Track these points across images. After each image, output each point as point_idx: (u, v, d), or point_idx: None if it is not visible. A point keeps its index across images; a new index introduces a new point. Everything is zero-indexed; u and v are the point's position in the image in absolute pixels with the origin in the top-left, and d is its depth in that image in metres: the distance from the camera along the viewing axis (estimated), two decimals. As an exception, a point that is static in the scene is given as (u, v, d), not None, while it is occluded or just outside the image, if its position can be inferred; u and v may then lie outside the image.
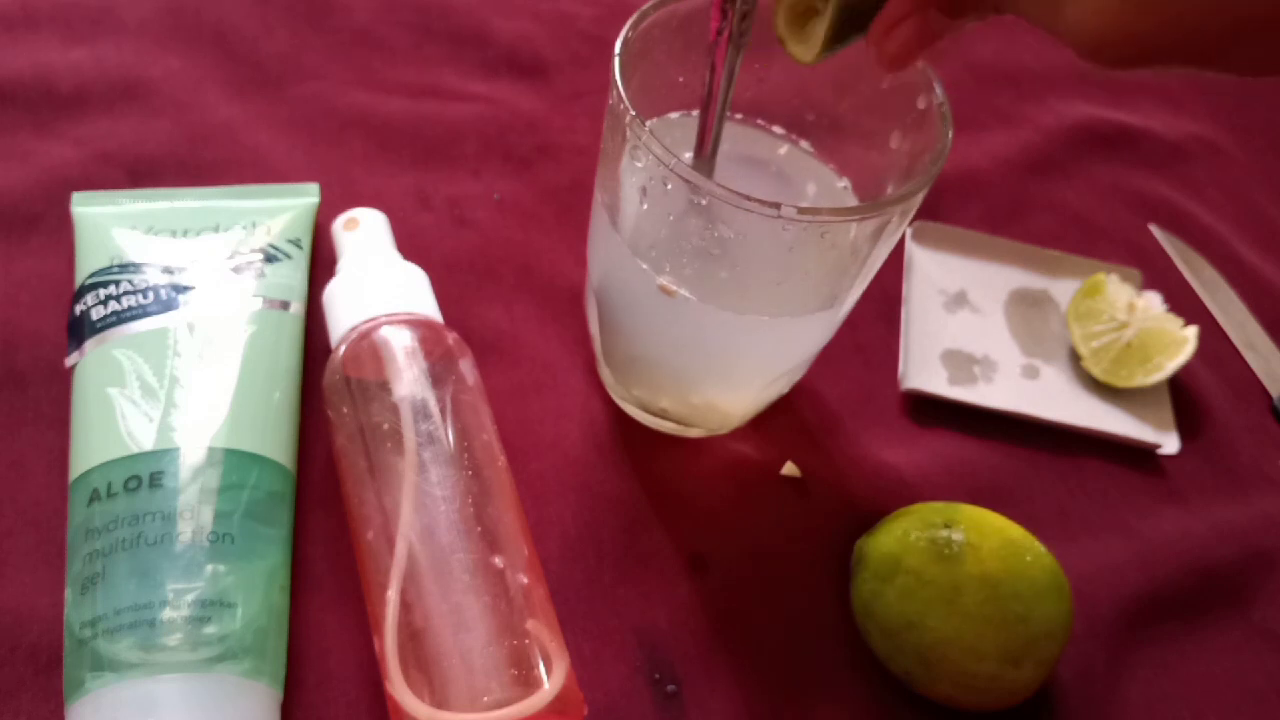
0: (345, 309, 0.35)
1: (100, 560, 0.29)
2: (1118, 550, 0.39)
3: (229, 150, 0.44)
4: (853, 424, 0.41)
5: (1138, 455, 0.42)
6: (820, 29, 0.27)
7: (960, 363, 0.43)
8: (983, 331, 0.45)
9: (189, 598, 0.28)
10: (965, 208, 0.50)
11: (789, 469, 0.39)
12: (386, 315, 0.35)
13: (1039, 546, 0.33)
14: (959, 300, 0.46)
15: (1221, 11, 0.19)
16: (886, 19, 0.26)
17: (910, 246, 0.47)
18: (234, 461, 0.31)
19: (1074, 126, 0.55)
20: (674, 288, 0.31)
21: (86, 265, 0.36)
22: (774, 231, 0.28)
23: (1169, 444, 0.42)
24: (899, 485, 0.39)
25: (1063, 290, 0.47)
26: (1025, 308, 0.46)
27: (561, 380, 0.40)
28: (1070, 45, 0.21)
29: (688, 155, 0.33)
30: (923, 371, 0.42)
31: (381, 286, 0.36)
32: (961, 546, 0.32)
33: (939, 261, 0.47)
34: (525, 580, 0.30)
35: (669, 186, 0.29)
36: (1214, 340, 0.47)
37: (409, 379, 0.33)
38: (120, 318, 0.34)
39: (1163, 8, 0.20)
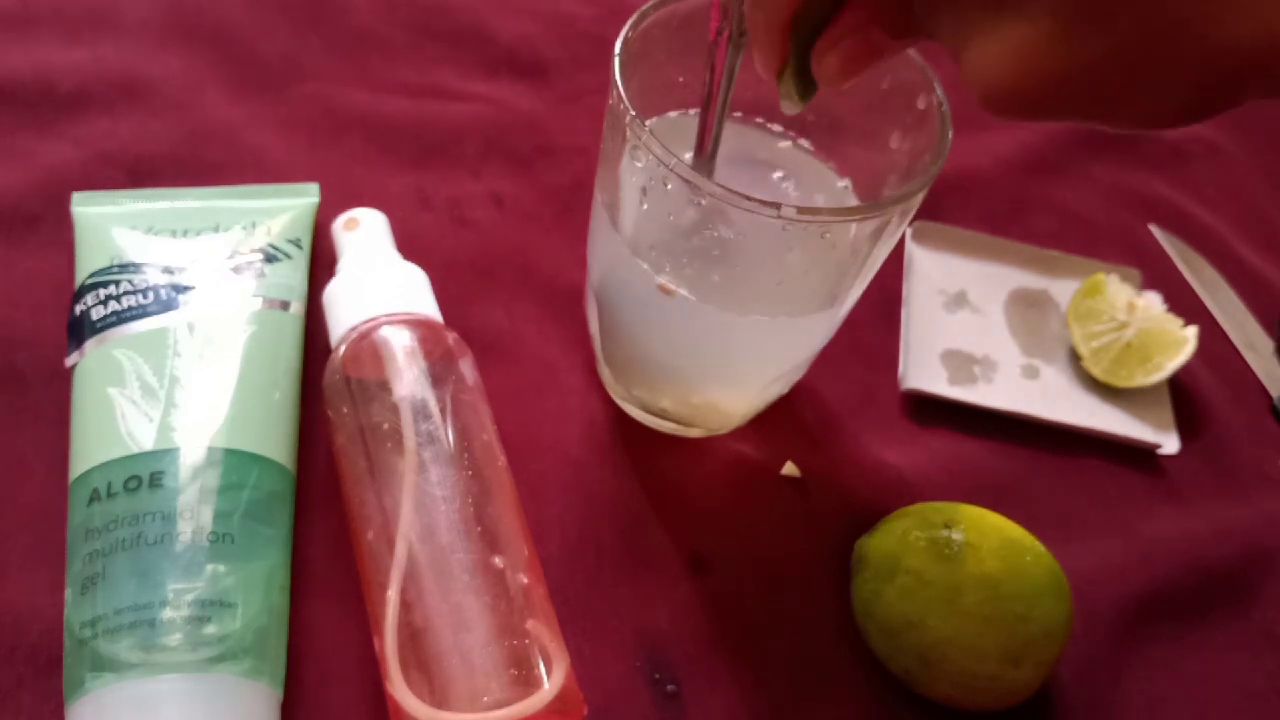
0: (345, 309, 0.35)
1: (100, 560, 0.29)
2: (1118, 550, 0.39)
3: (229, 150, 0.44)
4: (853, 424, 0.41)
5: (1138, 455, 0.42)
6: (790, 84, 0.27)
7: (960, 363, 0.43)
8: (983, 331, 0.45)
9: (189, 598, 0.28)
10: (965, 208, 0.50)
11: (789, 469, 0.39)
12: (386, 315, 0.35)
13: (1039, 546, 0.33)
14: (959, 300, 0.46)
15: (1128, 58, 0.19)
16: (830, 37, 0.25)
17: (910, 246, 0.47)
18: (234, 461, 0.31)
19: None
20: (673, 287, 0.31)
21: (86, 265, 0.36)
22: (774, 231, 0.28)
23: (1169, 444, 0.42)
24: (899, 485, 0.39)
25: (1063, 290, 0.47)
26: (1025, 308, 0.46)
27: (561, 380, 0.40)
28: (971, 90, 0.21)
29: (688, 155, 0.33)
30: (923, 371, 0.42)
31: (381, 286, 0.36)
32: (961, 546, 0.32)
33: (939, 261, 0.47)
34: (525, 580, 0.30)
35: (669, 186, 0.29)
36: (1214, 340, 0.47)
37: (409, 379, 0.33)
38: (120, 318, 0.34)
39: (1061, 71, 0.19)
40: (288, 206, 0.39)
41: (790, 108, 0.28)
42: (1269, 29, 0.17)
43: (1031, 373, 0.44)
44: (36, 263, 0.39)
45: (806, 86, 0.27)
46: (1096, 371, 0.43)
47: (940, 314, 0.45)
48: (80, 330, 0.34)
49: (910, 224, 0.46)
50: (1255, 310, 0.49)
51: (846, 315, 0.35)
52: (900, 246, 0.47)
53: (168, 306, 0.34)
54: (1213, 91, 0.19)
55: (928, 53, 0.29)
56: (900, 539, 0.33)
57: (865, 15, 0.25)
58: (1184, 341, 0.43)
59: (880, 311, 0.44)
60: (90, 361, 0.33)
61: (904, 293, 0.45)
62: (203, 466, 0.31)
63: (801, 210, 0.27)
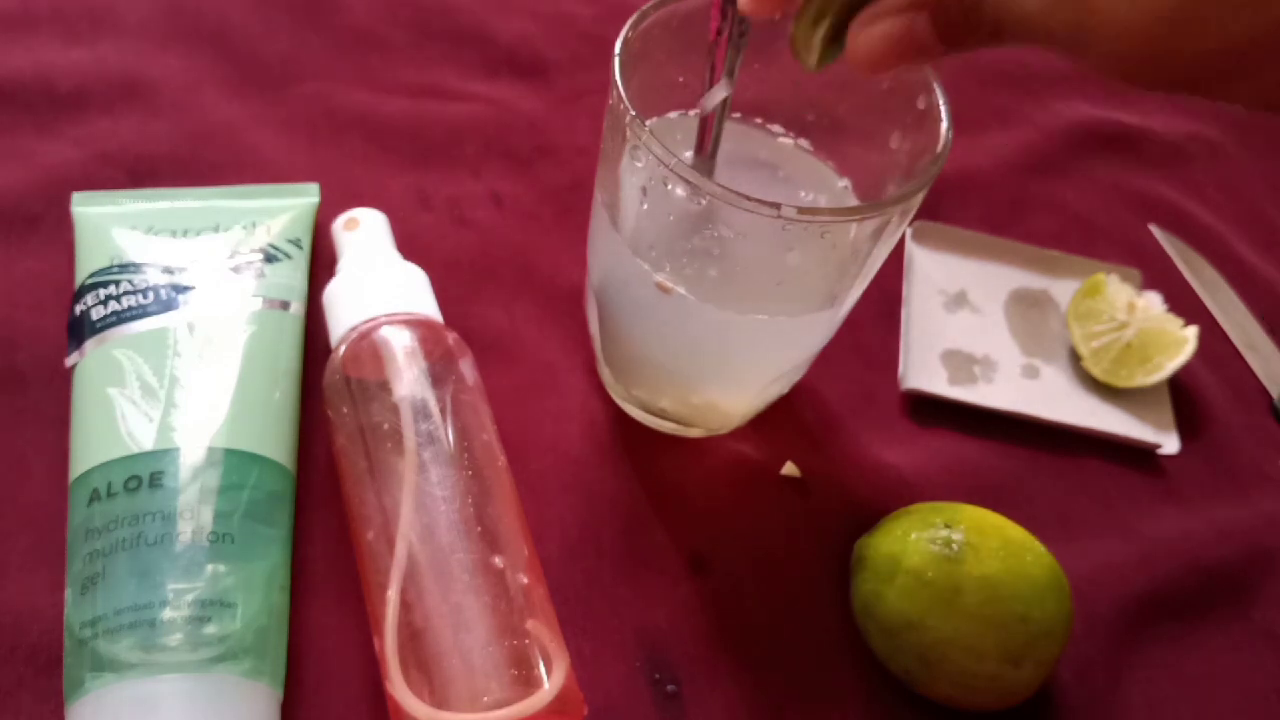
0: (345, 309, 0.35)
1: (100, 560, 0.29)
2: (1118, 550, 0.39)
3: (229, 150, 0.44)
4: (853, 424, 0.41)
5: (1138, 455, 0.42)
6: (819, 33, 0.26)
7: (960, 363, 0.43)
8: (983, 331, 0.45)
9: (189, 598, 0.28)
10: (965, 208, 0.50)
11: (789, 469, 0.39)
12: (386, 315, 0.35)
13: (1039, 546, 0.33)
14: (959, 300, 0.46)
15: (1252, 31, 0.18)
16: (875, 10, 0.24)
17: (910, 246, 0.47)
18: (234, 461, 0.31)
19: (1074, 126, 0.55)
20: (671, 285, 0.31)
21: (86, 265, 0.36)
22: (774, 231, 0.28)
23: (1169, 444, 0.42)
24: (899, 485, 0.39)
25: (1063, 290, 0.47)
26: (1025, 308, 0.46)
27: (561, 380, 0.40)
28: (1099, 70, 0.21)
29: (688, 155, 0.33)
30: (923, 371, 0.42)
31: (381, 286, 0.36)
32: (961, 546, 0.32)
33: (939, 261, 0.47)
34: (525, 580, 0.30)
35: (669, 186, 0.29)
36: (1214, 340, 0.47)
37: (409, 379, 0.33)
38: (120, 318, 0.34)
39: (1196, 32, 0.19)
40: (288, 206, 0.39)
41: (805, 60, 0.26)
42: None
43: (1031, 372, 0.44)
44: (36, 263, 0.39)
45: (830, 49, 0.25)
46: (1096, 371, 0.43)
47: (940, 314, 0.45)
48: (80, 330, 0.34)
49: (910, 224, 0.46)
50: (1255, 310, 0.49)
51: (846, 315, 0.35)
52: (900, 246, 0.47)
53: (168, 306, 0.34)
54: None
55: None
56: (900, 539, 0.33)
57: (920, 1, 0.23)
58: (1184, 341, 0.43)
59: (880, 311, 0.44)
60: (90, 361, 0.33)
61: (904, 293, 0.45)
62: (203, 466, 0.31)
63: (801, 210, 0.27)
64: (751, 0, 0.25)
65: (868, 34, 0.24)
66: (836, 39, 0.25)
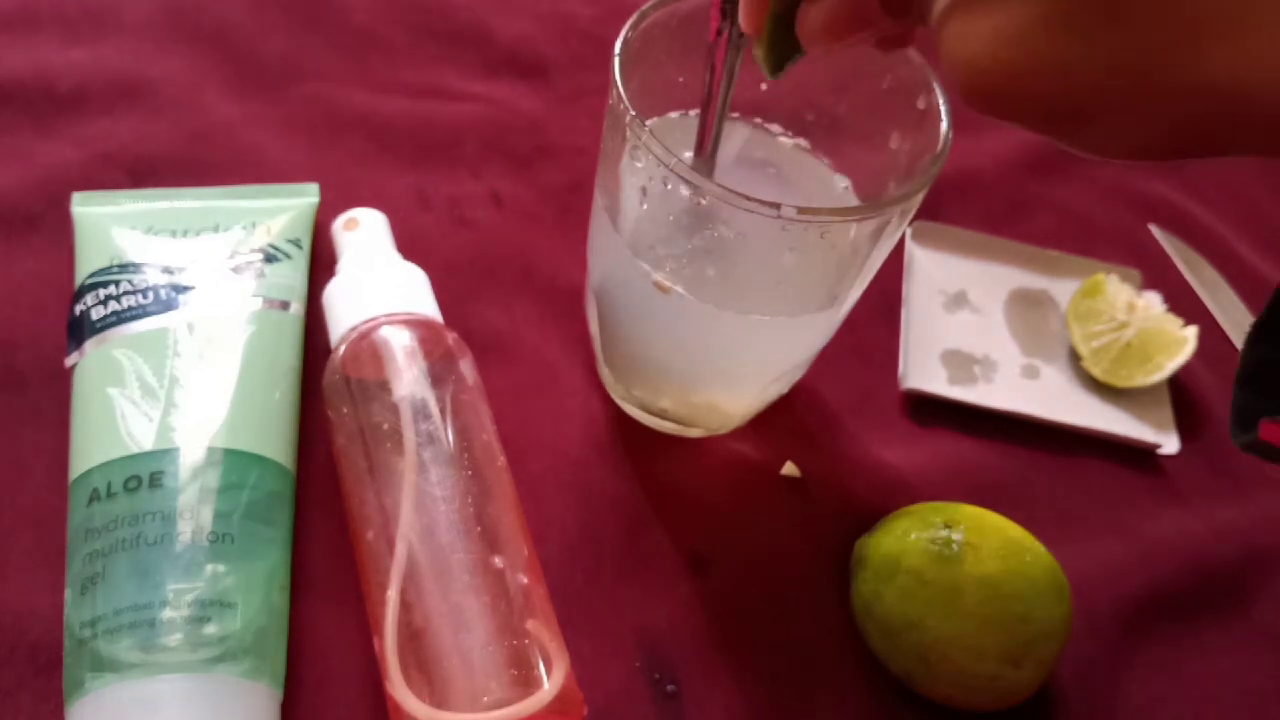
0: (345, 309, 0.35)
1: (100, 560, 0.29)
2: (1118, 550, 0.39)
3: (229, 150, 0.44)
4: (853, 424, 0.41)
5: (1137, 455, 0.42)
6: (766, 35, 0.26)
7: (960, 363, 0.43)
8: (983, 331, 0.45)
9: (189, 598, 0.28)
10: (965, 208, 0.50)
11: (789, 469, 0.39)
12: (386, 315, 0.35)
13: (1039, 546, 0.33)
14: (959, 300, 0.46)
15: (1110, 61, 0.18)
16: None
17: (910, 246, 0.47)
18: (234, 461, 0.31)
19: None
20: (669, 284, 0.31)
21: (86, 265, 0.36)
22: (774, 231, 0.28)
23: (1169, 444, 0.42)
24: (899, 485, 0.39)
25: (1063, 290, 0.47)
26: (1025, 308, 0.46)
27: (561, 380, 0.40)
28: (945, 66, 0.21)
29: (688, 155, 0.33)
30: (923, 371, 0.42)
31: (381, 286, 0.36)
32: (961, 546, 0.32)
33: (939, 261, 0.47)
34: (525, 580, 0.30)
35: (669, 186, 0.29)
36: (1214, 340, 0.47)
37: (409, 379, 0.33)
38: (120, 318, 0.34)
39: (1039, 61, 0.19)
40: (288, 206, 0.39)
41: (767, 71, 0.26)
42: (1240, 77, 0.16)
43: (1031, 372, 0.44)
44: (36, 263, 0.39)
45: (785, 49, 0.26)
46: (1096, 372, 0.43)
47: (940, 314, 0.45)
48: (80, 330, 0.34)
49: (910, 224, 0.46)
50: (1255, 310, 0.48)
51: (846, 315, 0.35)
52: (900, 246, 0.47)
53: (168, 306, 0.34)
54: (1178, 128, 0.18)
55: (928, 52, 0.29)
56: (900, 539, 0.33)
57: None
58: (1184, 341, 0.43)
59: (880, 311, 0.44)
60: (90, 361, 0.33)
61: (904, 293, 0.45)
62: (202, 466, 0.31)
63: (801, 210, 0.27)
64: (747, 20, 0.26)
65: (814, 16, 0.24)
66: (787, 38, 0.25)
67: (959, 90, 0.20)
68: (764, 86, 0.35)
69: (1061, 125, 0.19)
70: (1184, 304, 0.47)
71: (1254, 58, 0.16)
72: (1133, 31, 0.17)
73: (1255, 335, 0.23)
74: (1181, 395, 0.44)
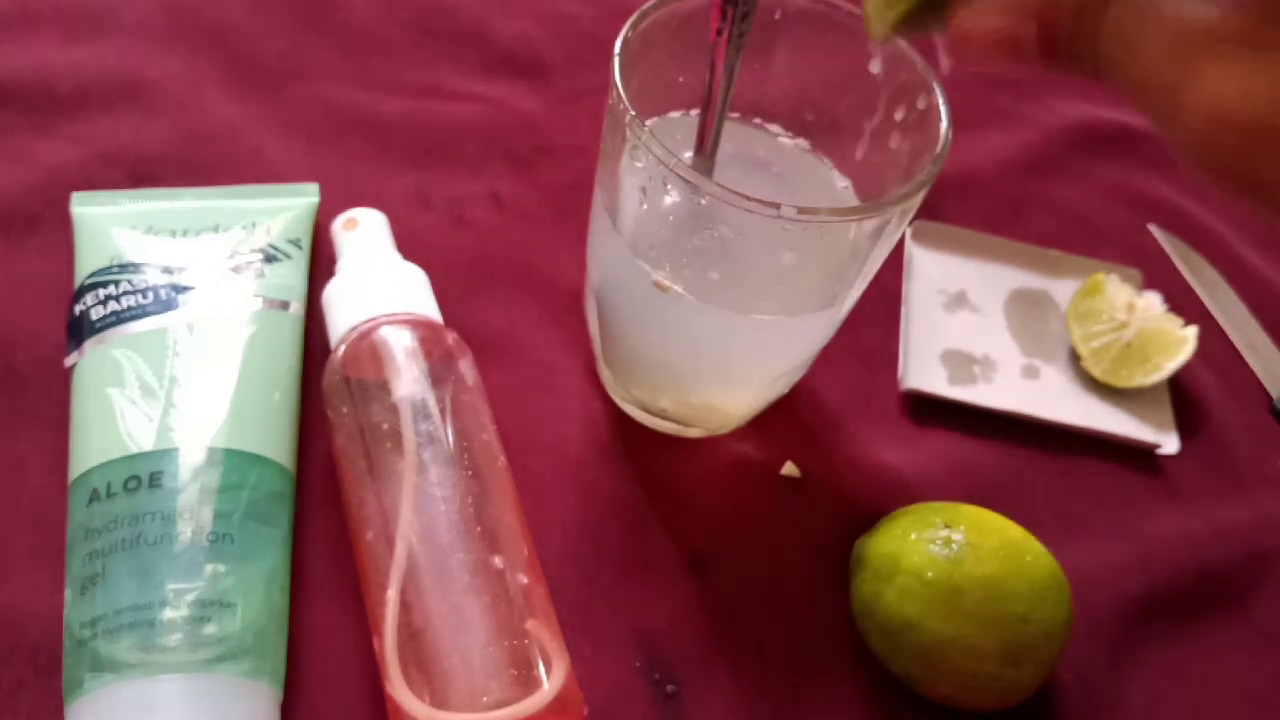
0: (345, 309, 0.35)
1: (100, 560, 0.29)
2: (1118, 550, 0.39)
3: (229, 150, 0.44)
4: (853, 424, 0.41)
5: (1137, 455, 0.42)
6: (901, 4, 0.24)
7: (960, 363, 0.43)
8: (983, 331, 0.45)
9: (189, 598, 0.28)
10: (965, 208, 0.50)
11: (789, 469, 0.39)
12: (386, 315, 0.35)
13: (1039, 546, 0.33)
14: (959, 300, 0.46)
15: None
16: (983, 2, 0.22)
17: (910, 246, 0.47)
18: (234, 461, 0.31)
19: (1074, 126, 0.55)
20: (669, 284, 0.31)
21: (86, 265, 0.36)
22: (774, 231, 0.28)
23: (1169, 444, 0.42)
24: (899, 485, 0.39)
25: (1063, 290, 0.47)
26: (1025, 308, 0.46)
27: (561, 380, 0.40)
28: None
29: (688, 155, 0.33)
30: (922, 371, 0.42)
31: (381, 286, 0.36)
32: (961, 546, 0.32)
33: (939, 261, 0.47)
34: (525, 580, 0.30)
35: (669, 186, 0.29)
36: (1214, 340, 0.47)
37: (409, 379, 0.33)
38: (120, 318, 0.34)
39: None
40: (287, 206, 0.39)
41: (879, 30, 0.25)
42: None
43: (1031, 373, 0.44)
44: (36, 263, 0.39)
45: (912, 20, 0.24)
46: (1096, 372, 0.43)
47: (940, 314, 0.45)
48: (80, 330, 0.34)
49: (910, 224, 0.46)
50: (1255, 310, 0.48)
51: (846, 315, 0.35)
52: (900, 246, 0.47)
53: (167, 306, 0.34)
54: None
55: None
56: (900, 539, 0.33)
57: (1033, 5, 0.21)
58: (1184, 341, 0.43)
59: (880, 311, 0.44)
60: (90, 361, 0.33)
61: (904, 293, 0.45)
62: (202, 466, 0.31)
63: (801, 210, 0.27)
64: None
65: (973, 23, 0.23)
66: (922, 11, 0.24)
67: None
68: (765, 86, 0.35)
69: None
70: (1184, 304, 0.47)
71: None
72: None
73: None
74: (1181, 395, 0.44)
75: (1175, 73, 0.19)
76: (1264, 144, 0.18)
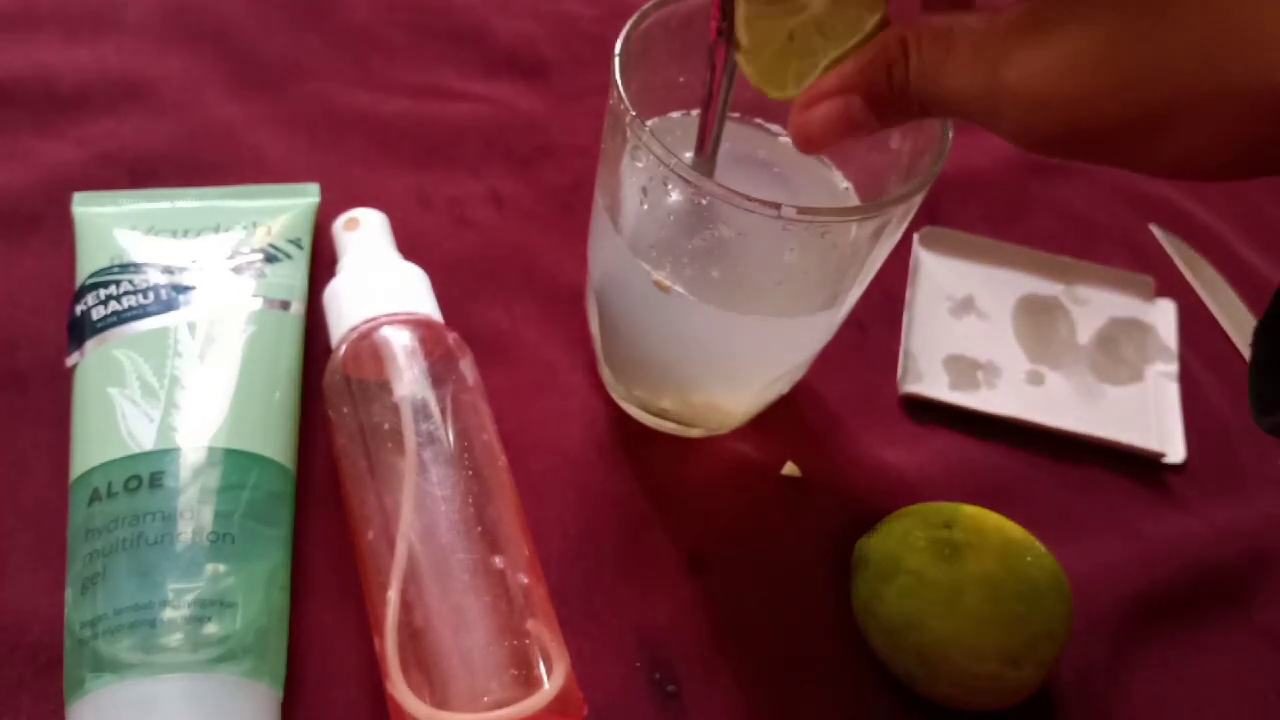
0: (345, 309, 0.35)
1: (100, 560, 0.29)
2: (1118, 550, 0.39)
3: (229, 150, 0.44)
4: (853, 424, 0.41)
5: (1138, 457, 0.42)
6: (804, 72, 0.26)
7: (963, 368, 0.43)
8: (988, 337, 0.45)
9: (189, 598, 0.28)
10: (965, 208, 0.50)
11: (789, 469, 0.39)
12: (386, 315, 0.35)
13: (1039, 547, 0.33)
14: (965, 306, 0.46)
15: (1181, 69, 0.18)
16: (811, 94, 0.25)
17: (917, 251, 0.47)
18: (234, 461, 0.31)
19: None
20: (669, 283, 0.31)
21: (87, 265, 0.36)
22: (774, 231, 0.28)
23: (1174, 453, 0.42)
24: (899, 485, 0.39)
25: (1074, 297, 0.47)
26: (1034, 314, 0.46)
27: (561, 380, 0.40)
28: (1014, 140, 0.21)
29: (688, 155, 0.33)
30: (923, 376, 0.42)
31: (381, 286, 0.36)
32: (962, 547, 0.32)
33: (947, 267, 0.47)
34: (525, 580, 0.30)
35: (669, 186, 0.29)
36: (1214, 340, 0.47)
37: (409, 379, 0.33)
38: (121, 318, 0.34)
39: (1108, 85, 0.19)
40: (288, 206, 0.39)
41: (781, 93, 0.27)
42: None
43: (1036, 379, 0.44)
44: (37, 263, 0.39)
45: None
46: (751, 74, 0.28)
47: (946, 319, 0.45)
48: (81, 330, 0.34)
49: (916, 229, 0.46)
50: (1255, 311, 0.48)
51: (847, 315, 0.35)
52: (906, 251, 0.46)
53: (168, 306, 0.34)
54: (1258, 139, 0.18)
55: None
56: (900, 539, 0.33)
57: (850, 81, 0.24)
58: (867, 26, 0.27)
59: (883, 312, 0.44)
60: (91, 361, 0.33)
61: (907, 297, 0.45)
62: (203, 466, 0.31)
63: (802, 210, 0.27)
64: (804, 141, 0.27)
65: (806, 117, 0.25)
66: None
67: (1021, 136, 0.21)
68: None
69: (1134, 149, 0.20)
70: (1184, 304, 0.47)
71: None
72: (1190, 42, 0.17)
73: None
74: (1181, 395, 0.44)
75: (981, 82, 0.21)
76: (1071, 108, 0.20)
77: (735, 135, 0.36)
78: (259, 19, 0.50)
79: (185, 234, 0.37)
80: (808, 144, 0.26)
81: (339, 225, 0.39)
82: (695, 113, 0.32)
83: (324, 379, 0.34)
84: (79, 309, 0.35)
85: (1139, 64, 0.18)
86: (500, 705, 0.27)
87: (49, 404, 0.35)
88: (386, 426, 0.32)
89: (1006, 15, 0.21)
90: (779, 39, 0.26)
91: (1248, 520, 0.40)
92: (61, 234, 0.39)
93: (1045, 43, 0.20)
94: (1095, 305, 0.46)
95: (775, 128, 0.36)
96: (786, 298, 0.32)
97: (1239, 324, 0.48)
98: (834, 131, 0.25)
